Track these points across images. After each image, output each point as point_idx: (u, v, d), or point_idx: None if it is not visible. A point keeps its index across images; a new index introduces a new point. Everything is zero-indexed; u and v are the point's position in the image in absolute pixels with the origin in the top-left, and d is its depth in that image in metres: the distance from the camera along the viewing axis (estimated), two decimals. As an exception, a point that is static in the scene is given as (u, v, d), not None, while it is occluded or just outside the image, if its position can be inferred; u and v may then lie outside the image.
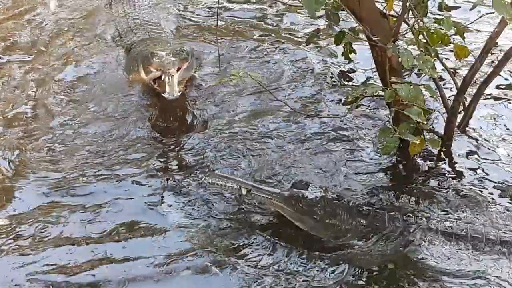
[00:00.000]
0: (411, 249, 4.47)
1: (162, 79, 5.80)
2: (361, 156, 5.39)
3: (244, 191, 4.68)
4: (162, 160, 5.42)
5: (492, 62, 5.78)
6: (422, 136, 4.78)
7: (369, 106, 5.88)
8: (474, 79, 5.17)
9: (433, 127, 5.40)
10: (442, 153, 5.32)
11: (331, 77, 6.38)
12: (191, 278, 4.39)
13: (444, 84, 5.64)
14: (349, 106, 5.56)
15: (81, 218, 4.85)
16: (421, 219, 4.61)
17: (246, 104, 6.05)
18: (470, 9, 4.70)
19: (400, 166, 5.27)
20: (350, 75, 6.42)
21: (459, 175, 5.16)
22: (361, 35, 5.31)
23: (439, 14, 5.48)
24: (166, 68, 5.72)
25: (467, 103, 5.33)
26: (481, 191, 4.96)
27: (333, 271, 4.37)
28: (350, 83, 6.30)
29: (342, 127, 5.68)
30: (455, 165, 5.26)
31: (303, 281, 4.31)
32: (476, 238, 4.48)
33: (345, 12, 5.05)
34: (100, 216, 4.87)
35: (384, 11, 5.11)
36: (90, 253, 4.56)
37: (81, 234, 4.71)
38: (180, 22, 7.47)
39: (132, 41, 6.73)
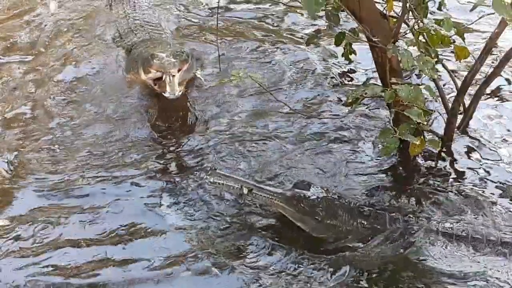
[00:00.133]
0: (412, 250, 4.46)
1: (163, 80, 5.80)
2: (362, 156, 5.38)
3: (245, 191, 4.66)
4: (162, 161, 5.41)
5: (493, 62, 5.76)
6: (422, 137, 4.78)
7: (369, 106, 5.88)
8: (474, 79, 5.16)
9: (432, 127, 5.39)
10: (443, 153, 5.31)
11: (332, 78, 6.37)
12: (191, 280, 4.38)
13: (444, 85, 5.63)
14: (350, 107, 5.54)
15: (80, 219, 4.85)
16: (422, 220, 4.61)
17: (246, 105, 6.04)
18: (471, 10, 4.69)
19: (401, 167, 5.26)
20: (351, 75, 6.41)
21: (460, 176, 5.15)
22: (361, 36, 5.30)
23: (440, 14, 5.46)
24: (167, 69, 5.72)
25: (467, 104, 5.33)
26: (483, 192, 4.96)
27: (334, 273, 4.36)
28: (351, 83, 6.29)
29: (343, 128, 5.67)
30: (456, 166, 5.25)
31: (303, 282, 4.31)
32: (477, 239, 4.47)
33: (345, 13, 5.04)
34: (100, 217, 4.86)
35: (384, 11, 5.10)
36: (90, 255, 4.56)
37: (80, 235, 4.71)
38: (180, 23, 7.46)
39: (132, 42, 6.72)
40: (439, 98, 5.32)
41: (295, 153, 5.41)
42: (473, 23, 5.31)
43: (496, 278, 4.27)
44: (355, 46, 5.96)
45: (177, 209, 4.89)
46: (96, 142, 5.61)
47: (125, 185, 5.14)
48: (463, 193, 4.93)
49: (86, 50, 6.93)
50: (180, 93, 5.78)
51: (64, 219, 4.85)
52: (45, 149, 5.56)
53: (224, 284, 4.34)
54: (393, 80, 4.70)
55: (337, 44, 5.70)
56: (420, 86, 4.76)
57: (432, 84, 5.21)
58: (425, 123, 4.64)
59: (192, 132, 5.77)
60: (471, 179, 5.10)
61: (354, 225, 4.58)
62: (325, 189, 4.73)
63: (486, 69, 5.26)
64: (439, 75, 5.30)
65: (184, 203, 4.94)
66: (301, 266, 4.41)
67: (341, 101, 6.01)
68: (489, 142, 5.44)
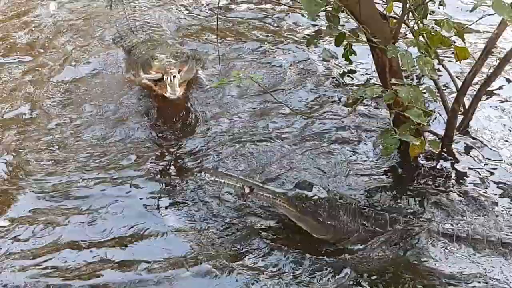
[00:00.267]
0: (413, 251, 4.45)
1: (163, 81, 5.79)
2: (362, 157, 5.38)
3: (247, 190, 4.64)
4: (161, 162, 5.40)
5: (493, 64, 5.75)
6: (422, 138, 4.76)
7: (370, 106, 5.87)
8: (474, 80, 5.15)
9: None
10: (443, 154, 5.30)
11: (333, 78, 6.36)
12: (191, 281, 4.38)
13: (444, 86, 5.62)
14: (350, 108, 5.54)
15: (80, 220, 4.85)
16: (423, 220, 4.59)
17: (247, 105, 6.04)
18: (471, 11, 4.67)
19: (401, 168, 5.25)
20: (351, 76, 6.40)
21: (461, 176, 5.14)
22: (362, 37, 5.29)
23: (440, 15, 5.45)
24: (167, 70, 5.71)
25: (467, 105, 5.32)
26: (484, 192, 4.95)
27: (334, 275, 4.34)
28: (351, 84, 6.28)
29: (343, 128, 5.66)
30: (457, 166, 5.24)
31: (304, 284, 4.29)
32: (478, 240, 4.46)
33: (345, 14, 5.03)
34: (100, 218, 4.86)
35: (384, 12, 5.09)
36: (90, 256, 4.56)
37: (80, 237, 4.71)
38: (181, 23, 7.45)
39: (132, 43, 6.72)
40: (439, 99, 5.31)
41: (296, 154, 5.40)
42: (473, 23, 5.29)
43: (497, 279, 4.26)
44: (355, 46, 5.94)
45: (177, 210, 4.88)
46: (96, 143, 5.61)
47: (125, 187, 5.13)
48: (463, 194, 4.92)
49: (85, 51, 6.93)
50: (181, 94, 5.77)
51: (63, 220, 4.84)
52: (44, 150, 5.56)
53: (223, 285, 4.33)
54: (393, 80, 4.69)
55: (337, 44, 5.68)
56: (420, 87, 4.75)
57: (432, 84, 5.21)
58: (425, 123, 4.62)
59: (192, 133, 5.76)
60: (472, 179, 5.10)
61: (355, 226, 4.57)
62: (327, 189, 4.72)
63: (486, 69, 5.25)
64: (439, 76, 5.29)
65: (184, 204, 4.93)
66: (301, 267, 4.40)
67: (342, 101, 6.00)
68: (490, 142, 5.43)
